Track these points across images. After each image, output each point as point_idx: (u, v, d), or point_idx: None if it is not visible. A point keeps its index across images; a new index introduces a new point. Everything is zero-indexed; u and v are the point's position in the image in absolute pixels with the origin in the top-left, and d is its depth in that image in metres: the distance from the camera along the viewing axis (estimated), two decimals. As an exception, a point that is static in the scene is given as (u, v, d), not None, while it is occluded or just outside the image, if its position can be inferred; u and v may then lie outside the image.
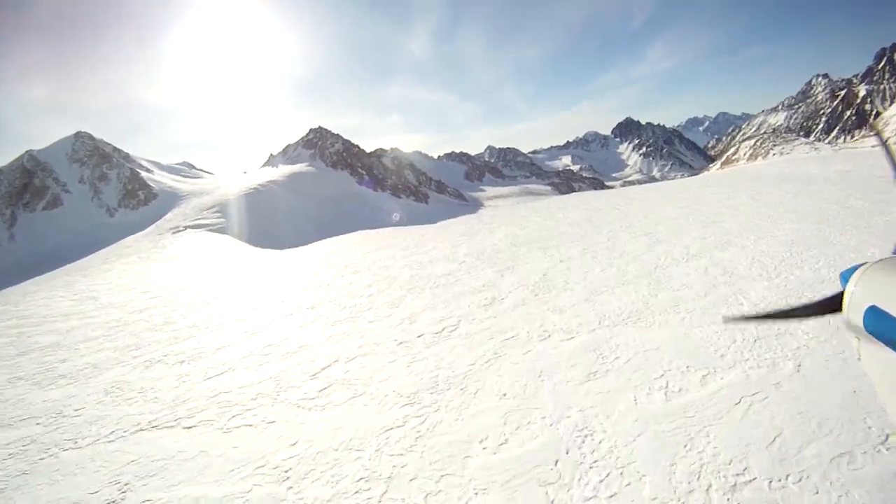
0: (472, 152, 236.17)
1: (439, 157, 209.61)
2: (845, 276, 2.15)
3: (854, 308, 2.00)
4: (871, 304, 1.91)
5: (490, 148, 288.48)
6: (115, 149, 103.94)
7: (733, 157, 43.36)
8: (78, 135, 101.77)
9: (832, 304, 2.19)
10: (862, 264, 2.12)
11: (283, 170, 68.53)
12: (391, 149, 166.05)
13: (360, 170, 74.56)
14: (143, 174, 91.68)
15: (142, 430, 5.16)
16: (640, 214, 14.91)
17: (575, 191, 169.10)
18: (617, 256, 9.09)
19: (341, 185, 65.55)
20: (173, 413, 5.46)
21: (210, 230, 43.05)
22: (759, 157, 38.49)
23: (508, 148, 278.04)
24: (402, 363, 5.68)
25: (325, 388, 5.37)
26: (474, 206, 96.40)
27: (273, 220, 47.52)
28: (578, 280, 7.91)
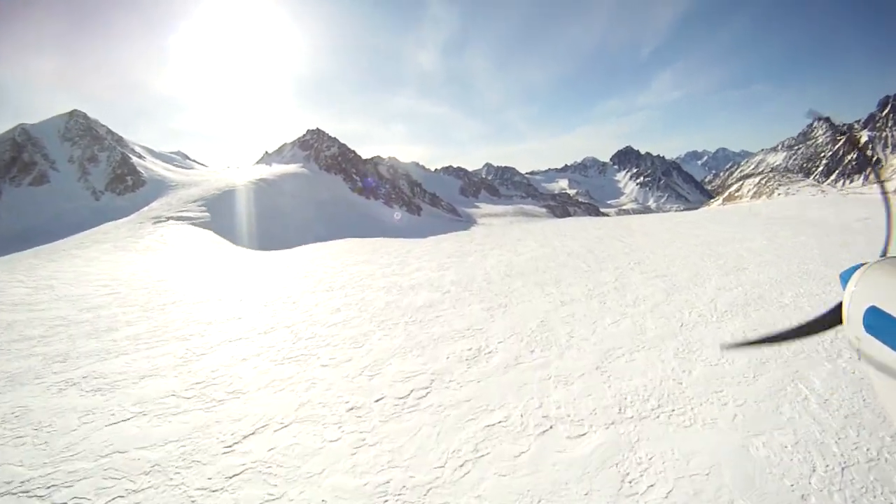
0: (471, 168, 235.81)
1: (436, 169, 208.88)
2: (845, 277, 2.27)
3: (854, 308, 2.06)
4: (871, 304, 1.96)
5: (488, 165, 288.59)
6: (108, 131, 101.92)
7: (736, 194, 42.26)
8: (73, 113, 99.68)
9: (833, 318, 2.25)
10: (861, 265, 2.21)
11: (276, 169, 66.97)
12: (389, 157, 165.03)
13: (354, 175, 73.11)
14: (135, 160, 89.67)
15: (10, 492, 3.89)
16: (647, 249, 13.65)
17: (570, 215, 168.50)
18: (630, 303, 7.70)
19: (333, 190, 64.07)
20: (51, 475, 4.12)
21: (192, 224, 41.42)
22: (764, 196, 37.50)
23: (506, 167, 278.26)
24: (347, 447, 4.19)
25: (234, 477, 3.89)
26: (467, 222, 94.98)
27: (259, 220, 45.92)
28: (585, 334, 6.49)
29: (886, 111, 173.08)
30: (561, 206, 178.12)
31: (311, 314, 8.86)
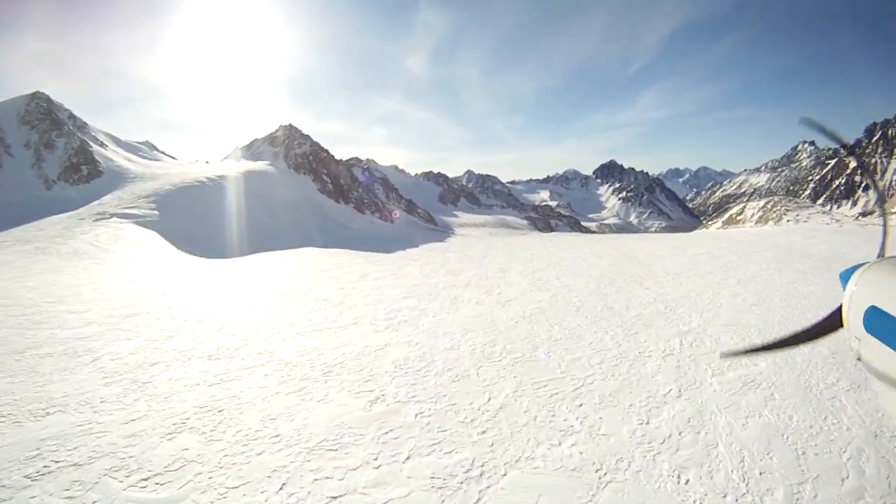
0: (452, 175, 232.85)
1: (416, 174, 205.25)
2: (845, 277, 2.27)
3: (854, 308, 2.07)
4: (871, 303, 1.96)
5: (469, 172, 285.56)
6: (70, 115, 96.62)
7: (738, 217, 40.13)
8: (34, 95, 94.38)
9: (833, 323, 2.26)
10: (862, 264, 2.21)
11: (241, 165, 63.06)
12: (367, 160, 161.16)
13: (324, 177, 69.61)
14: (95, 148, 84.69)
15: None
16: (677, 293, 11.07)
17: (552, 228, 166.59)
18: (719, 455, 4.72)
19: (301, 191, 60.51)
20: None
21: (137, 223, 37.70)
22: (770, 222, 35.44)
23: (488, 175, 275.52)
24: None
25: None
26: (444, 231, 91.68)
27: (211, 222, 42.32)
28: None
29: (876, 137, 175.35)
30: (543, 219, 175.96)
31: (173, 388, 5.80)
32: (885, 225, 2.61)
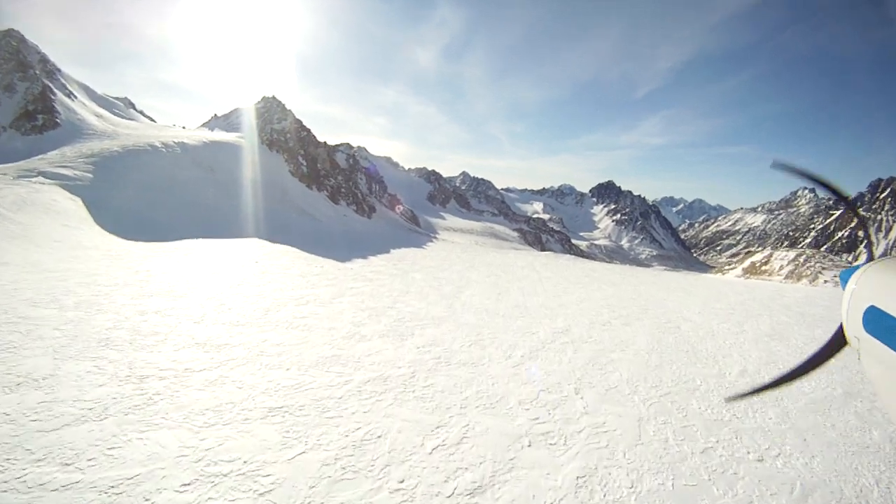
0: (447, 174, 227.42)
1: (409, 169, 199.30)
2: (845, 277, 2.31)
3: (853, 308, 2.10)
4: (871, 304, 1.98)
5: (465, 174, 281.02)
6: (42, 59, 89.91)
7: (762, 267, 35.41)
8: (7, 32, 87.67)
9: (837, 342, 2.29)
10: (862, 264, 2.24)
11: (210, 135, 57.19)
12: (357, 147, 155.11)
13: (299, 157, 64.08)
14: (59, 97, 78.22)
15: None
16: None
17: (542, 242, 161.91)
18: None
19: (268, 171, 54.90)
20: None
21: (63, 185, 32.04)
22: (804, 280, 30.82)
23: (483, 179, 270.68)
24: None
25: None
26: (426, 234, 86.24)
27: (154, 193, 36.79)
28: None
29: (884, 194, 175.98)
30: (534, 233, 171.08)
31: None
32: (865, 227, 2.98)
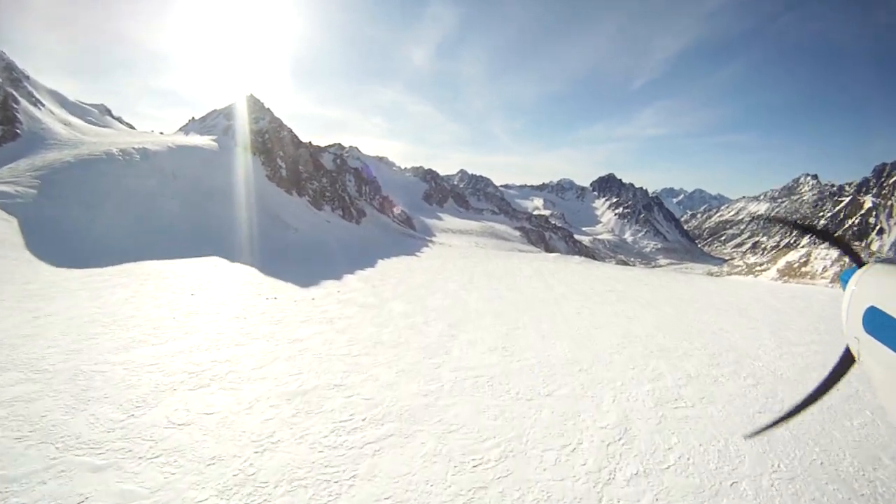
0: (445, 172, 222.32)
1: (404, 169, 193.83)
2: (845, 277, 2.27)
3: (853, 308, 2.07)
4: (871, 304, 1.96)
5: (463, 172, 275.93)
6: (8, 66, 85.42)
7: (802, 268, 31.32)
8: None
9: (846, 361, 2.22)
10: (862, 265, 2.22)
11: (181, 139, 52.66)
12: (349, 147, 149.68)
13: (278, 160, 59.40)
14: (24, 106, 73.33)
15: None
16: None
17: (546, 241, 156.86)
18: None
19: (241, 176, 50.32)
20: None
21: (0, 205, 27.85)
22: None
23: (482, 176, 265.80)
24: None
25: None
26: (422, 236, 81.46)
27: (104, 208, 32.34)
28: None
29: (893, 179, 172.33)
30: (536, 231, 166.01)
31: None
32: (836, 240, 2.77)
